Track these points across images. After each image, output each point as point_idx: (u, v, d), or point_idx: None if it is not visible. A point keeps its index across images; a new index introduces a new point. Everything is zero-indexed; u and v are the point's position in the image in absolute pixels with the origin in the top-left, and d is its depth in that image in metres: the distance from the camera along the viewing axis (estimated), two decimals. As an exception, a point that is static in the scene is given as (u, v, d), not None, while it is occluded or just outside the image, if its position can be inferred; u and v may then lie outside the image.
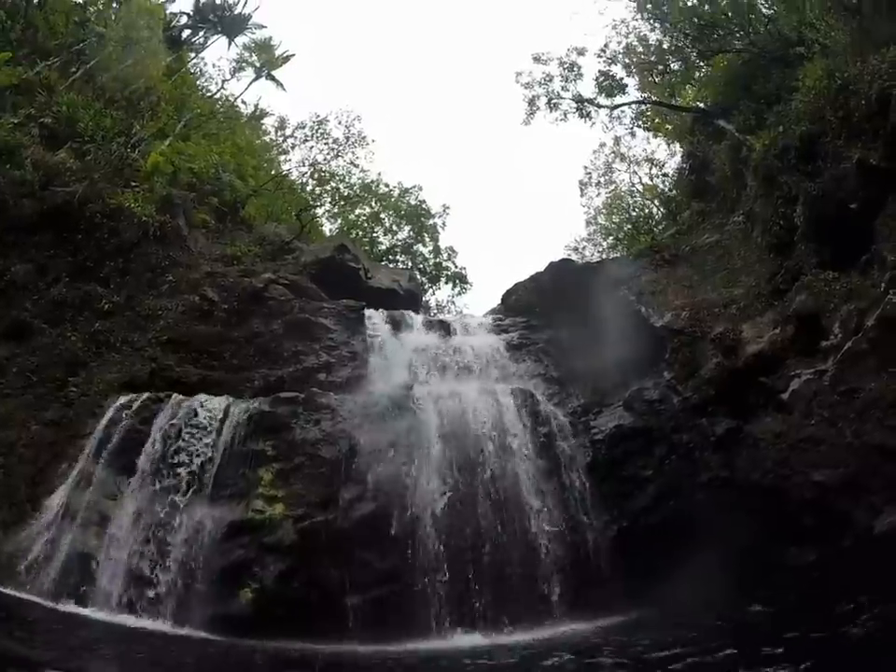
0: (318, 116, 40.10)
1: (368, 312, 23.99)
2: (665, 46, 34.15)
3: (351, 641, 14.23)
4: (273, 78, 44.68)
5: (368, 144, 40.96)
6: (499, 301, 27.88)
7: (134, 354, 20.39)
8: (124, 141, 29.27)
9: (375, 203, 43.14)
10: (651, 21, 34.06)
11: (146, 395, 18.33)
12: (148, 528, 15.59)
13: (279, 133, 46.47)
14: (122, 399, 18.27)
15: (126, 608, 14.55)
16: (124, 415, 17.63)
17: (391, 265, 39.16)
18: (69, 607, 14.33)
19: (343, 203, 42.40)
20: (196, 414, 17.58)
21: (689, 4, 32.26)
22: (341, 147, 39.73)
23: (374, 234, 42.47)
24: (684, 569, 15.13)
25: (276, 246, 27.90)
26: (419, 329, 24.21)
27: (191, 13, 43.08)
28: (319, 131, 39.20)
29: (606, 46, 35.44)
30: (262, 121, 47.85)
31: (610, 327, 21.40)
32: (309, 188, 40.51)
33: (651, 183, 39.91)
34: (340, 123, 40.26)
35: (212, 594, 14.80)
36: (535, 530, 16.04)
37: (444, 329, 24.37)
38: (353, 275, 27.26)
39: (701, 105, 32.81)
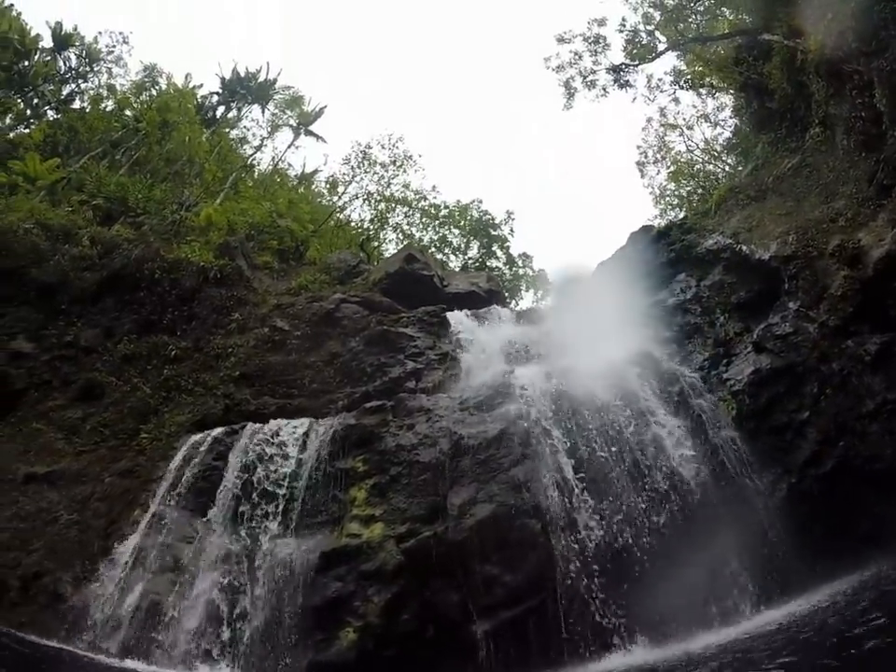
0: (360, 144, 37.30)
1: (450, 314, 20.44)
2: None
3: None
4: (311, 133, 42.48)
5: (415, 162, 38.06)
6: (589, 286, 23.84)
7: (206, 393, 17.85)
8: (176, 208, 27.62)
9: (439, 226, 39.95)
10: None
11: (219, 429, 15.30)
12: (228, 570, 12.33)
13: (332, 192, 43.63)
14: (195, 438, 15.35)
15: (203, 660, 11.27)
16: (197, 453, 14.57)
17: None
18: (137, 664, 11.19)
19: (403, 234, 39.23)
20: (274, 441, 14.38)
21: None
22: (389, 173, 36.84)
23: (444, 258, 39.13)
24: (879, 521, 11.47)
25: (343, 272, 24.77)
26: (509, 322, 20.52)
27: (220, 91, 41.29)
28: (365, 161, 36.34)
29: (624, 20, 32.08)
30: (314, 178, 45.39)
31: (713, 276, 17.79)
32: (368, 222, 37.68)
33: (707, 146, 35.91)
34: (383, 147, 37.36)
35: (307, 639, 11.33)
36: (695, 509, 12.02)
37: (536, 316, 20.78)
38: (427, 283, 23.78)
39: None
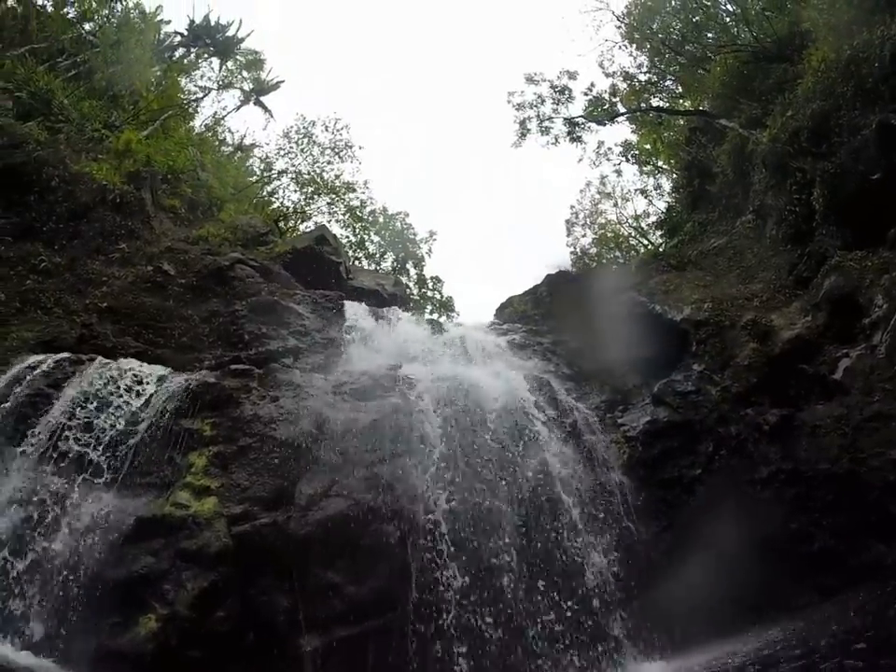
0: (305, 119, 34.93)
1: (348, 304, 18.15)
2: (655, 69, 30.68)
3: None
4: (261, 104, 39.21)
5: (354, 154, 35.95)
6: (493, 316, 22.06)
7: (65, 317, 14.98)
8: (99, 126, 24.55)
9: (360, 228, 37.70)
10: (640, 44, 30.50)
11: (64, 354, 12.65)
12: (29, 519, 9.64)
13: (265, 175, 40.42)
14: (36, 358, 12.55)
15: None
16: (32, 374, 11.85)
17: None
18: None
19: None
20: (121, 382, 11.89)
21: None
22: (325, 157, 34.54)
23: (356, 261, 36.72)
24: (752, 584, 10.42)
25: (249, 236, 22.17)
26: (409, 324, 18.31)
27: (185, 33, 37.63)
28: (305, 139, 33.94)
29: (593, 85, 31.89)
30: (251, 153, 42.08)
31: (621, 328, 16.46)
32: (291, 204, 35.17)
33: (637, 221, 35.52)
34: (327, 129, 35.07)
35: (102, 618, 8.81)
36: (576, 543, 10.33)
37: (436, 326, 18.71)
38: (332, 270, 21.58)
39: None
